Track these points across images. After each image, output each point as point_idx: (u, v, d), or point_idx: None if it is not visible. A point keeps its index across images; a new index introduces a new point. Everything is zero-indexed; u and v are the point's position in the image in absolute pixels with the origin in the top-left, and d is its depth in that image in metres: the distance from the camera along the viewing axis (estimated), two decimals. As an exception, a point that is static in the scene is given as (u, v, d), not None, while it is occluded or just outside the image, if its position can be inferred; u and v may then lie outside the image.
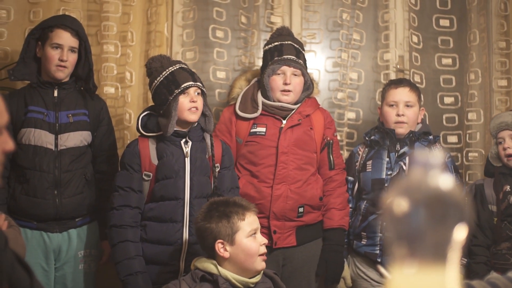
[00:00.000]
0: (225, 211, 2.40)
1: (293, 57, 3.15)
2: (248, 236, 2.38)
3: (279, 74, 3.15)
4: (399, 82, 3.32)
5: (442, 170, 0.92)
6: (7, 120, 1.45)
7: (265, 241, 2.45)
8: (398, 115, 3.21)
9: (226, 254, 2.36)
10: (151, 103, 3.40)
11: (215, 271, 2.35)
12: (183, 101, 2.82)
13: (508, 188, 3.26)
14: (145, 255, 2.79)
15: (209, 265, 2.37)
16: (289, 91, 3.15)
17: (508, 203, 3.23)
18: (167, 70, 2.86)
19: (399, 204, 0.90)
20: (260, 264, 2.40)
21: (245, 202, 2.47)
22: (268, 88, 3.16)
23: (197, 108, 2.85)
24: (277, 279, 2.50)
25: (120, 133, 3.47)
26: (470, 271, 3.24)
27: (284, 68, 3.14)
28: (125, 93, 3.52)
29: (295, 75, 3.16)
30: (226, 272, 2.34)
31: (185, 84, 2.83)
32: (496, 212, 3.27)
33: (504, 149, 3.29)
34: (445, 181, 0.92)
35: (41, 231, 2.95)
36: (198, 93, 2.86)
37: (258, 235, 2.43)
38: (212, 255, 2.40)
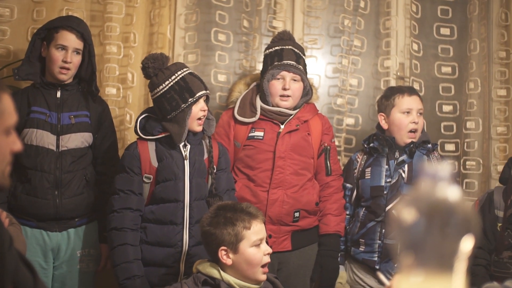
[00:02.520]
0: (231, 218, 2.36)
1: (293, 62, 3.14)
2: (252, 246, 2.36)
3: (278, 79, 3.15)
4: (412, 90, 3.34)
5: (450, 181, 0.93)
6: (15, 120, 1.46)
7: (269, 250, 2.42)
8: (414, 122, 3.23)
9: (229, 262, 2.34)
10: (152, 104, 3.42)
11: (218, 276, 2.34)
12: (195, 110, 2.84)
13: None
14: (146, 257, 2.80)
15: (212, 270, 2.36)
16: (288, 96, 3.15)
17: None
18: (176, 74, 2.85)
19: (407, 214, 0.91)
20: (261, 276, 2.38)
21: (253, 210, 2.43)
22: (267, 93, 3.16)
23: (204, 117, 2.88)
24: (278, 284, 2.49)
25: (121, 134, 3.47)
26: (469, 273, 3.22)
27: (284, 73, 3.14)
28: (126, 94, 3.53)
29: (295, 80, 3.15)
30: (228, 278, 2.33)
31: (200, 93, 2.84)
32: (501, 218, 3.25)
33: None
34: (453, 193, 0.93)
35: (40, 230, 2.96)
36: (204, 100, 2.88)
37: (263, 244, 2.40)
38: (216, 259, 2.38)
